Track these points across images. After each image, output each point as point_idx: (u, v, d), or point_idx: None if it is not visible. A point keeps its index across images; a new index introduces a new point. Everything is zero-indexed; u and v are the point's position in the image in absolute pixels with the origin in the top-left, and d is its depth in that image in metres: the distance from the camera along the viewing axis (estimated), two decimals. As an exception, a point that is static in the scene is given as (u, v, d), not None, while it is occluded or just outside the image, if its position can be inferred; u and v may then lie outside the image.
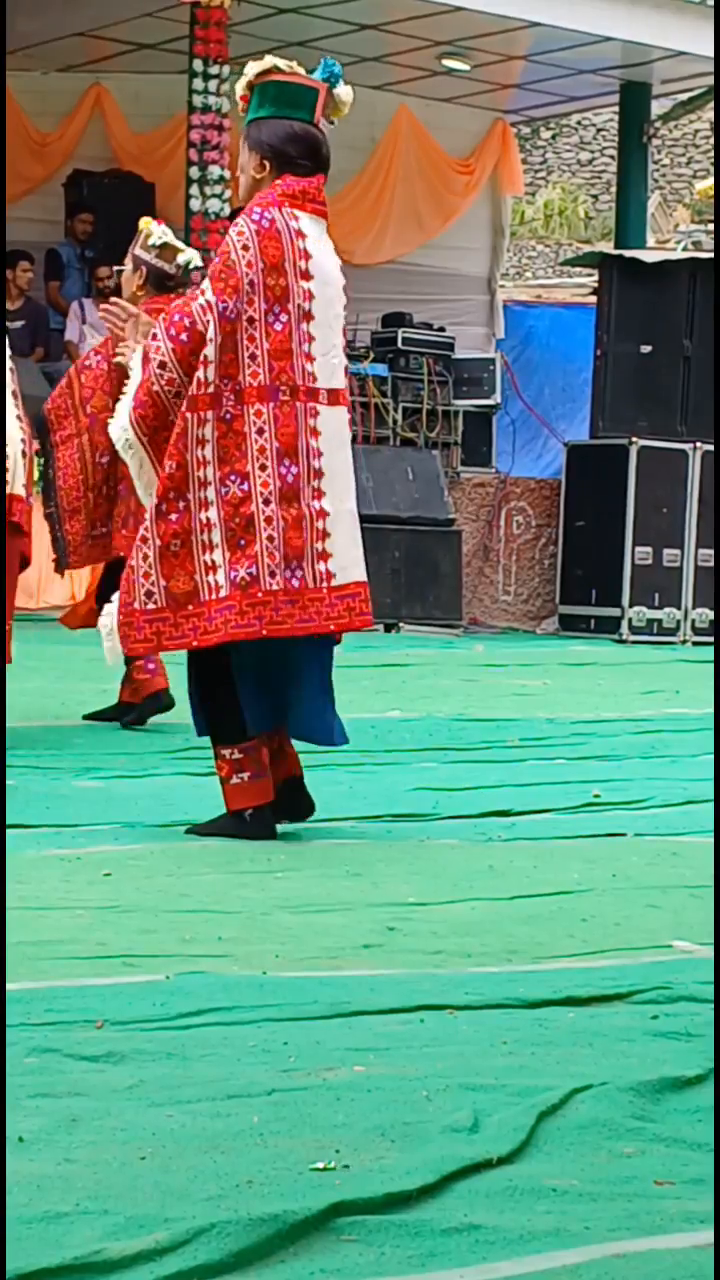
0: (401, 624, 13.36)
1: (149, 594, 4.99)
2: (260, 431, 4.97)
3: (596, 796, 6.04)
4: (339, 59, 17.99)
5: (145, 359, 5.02)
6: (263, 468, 4.96)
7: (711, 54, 14.90)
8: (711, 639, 13.59)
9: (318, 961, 3.62)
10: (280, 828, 5.20)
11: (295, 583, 5.00)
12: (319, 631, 5.05)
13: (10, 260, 14.42)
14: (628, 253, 15.48)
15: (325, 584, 5.04)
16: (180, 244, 7.50)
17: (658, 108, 18.00)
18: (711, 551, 14.22)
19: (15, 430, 6.62)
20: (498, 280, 18.27)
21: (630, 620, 14.07)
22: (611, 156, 22.24)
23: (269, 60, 5.20)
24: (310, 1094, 2.70)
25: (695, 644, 14.03)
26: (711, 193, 28.26)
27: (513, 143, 18.30)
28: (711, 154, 30.72)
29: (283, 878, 4.53)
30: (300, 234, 5.03)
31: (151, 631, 5.02)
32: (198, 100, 14.35)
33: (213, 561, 4.95)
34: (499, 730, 7.84)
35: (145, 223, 7.60)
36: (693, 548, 14.28)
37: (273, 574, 4.96)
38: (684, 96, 17.79)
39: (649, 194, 18.79)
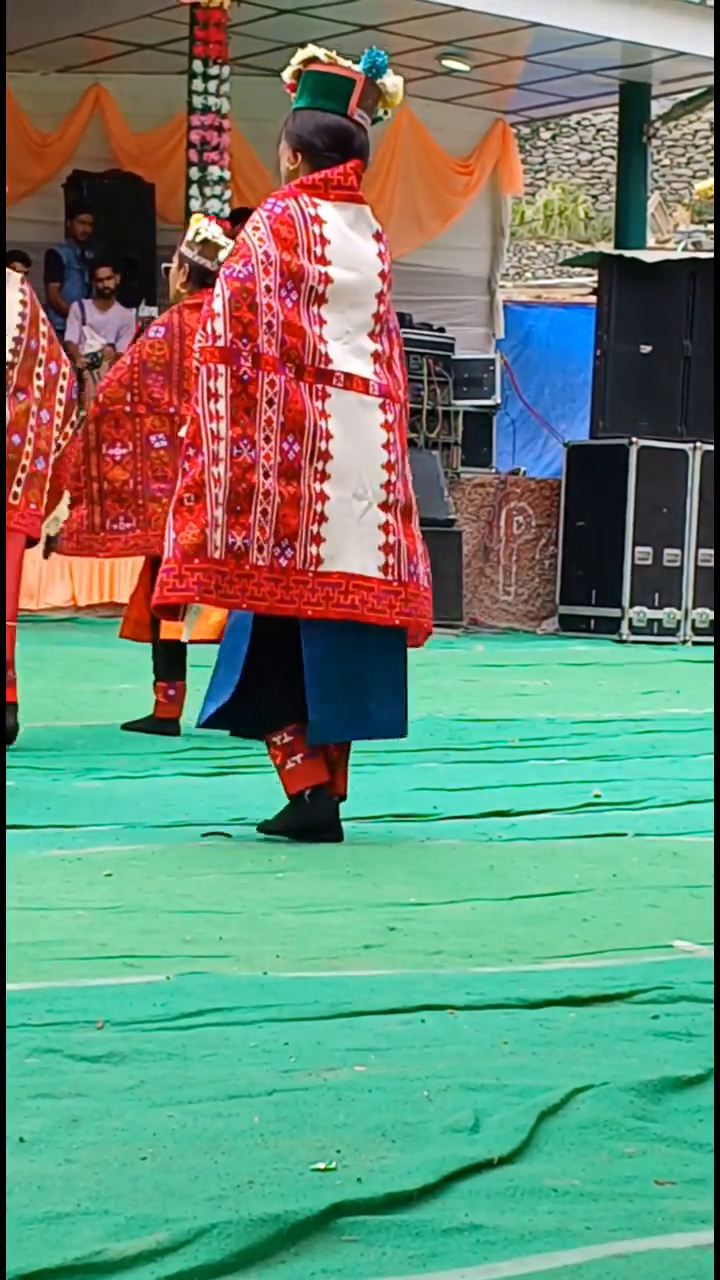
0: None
1: (164, 546, 5.01)
2: (270, 402, 4.92)
3: (597, 796, 6.04)
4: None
5: None
6: (267, 439, 4.91)
7: (711, 54, 14.91)
8: (712, 639, 13.59)
9: (318, 962, 3.62)
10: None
11: (283, 561, 4.94)
12: (300, 615, 4.97)
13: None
14: (627, 253, 15.48)
15: (313, 567, 4.98)
16: (224, 240, 7.45)
17: (657, 108, 18.01)
18: (711, 551, 14.22)
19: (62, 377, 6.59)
20: (497, 280, 18.27)
21: (630, 620, 14.07)
22: (611, 157, 22.24)
23: (310, 49, 5.18)
24: (311, 1094, 2.70)
25: (696, 644, 14.03)
26: (711, 193, 28.25)
27: (512, 143, 18.30)
28: (711, 154, 30.73)
29: (283, 878, 4.53)
30: (317, 220, 5.00)
31: (160, 583, 4.99)
32: (197, 101, 14.36)
33: (217, 519, 4.90)
34: (499, 731, 7.84)
35: (195, 218, 7.58)
36: (693, 548, 14.28)
37: (260, 549, 4.92)
38: (684, 97, 17.80)
39: (649, 194, 18.80)
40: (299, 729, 5.03)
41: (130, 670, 9.26)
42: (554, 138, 30.11)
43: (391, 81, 5.13)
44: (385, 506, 5.08)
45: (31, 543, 6.69)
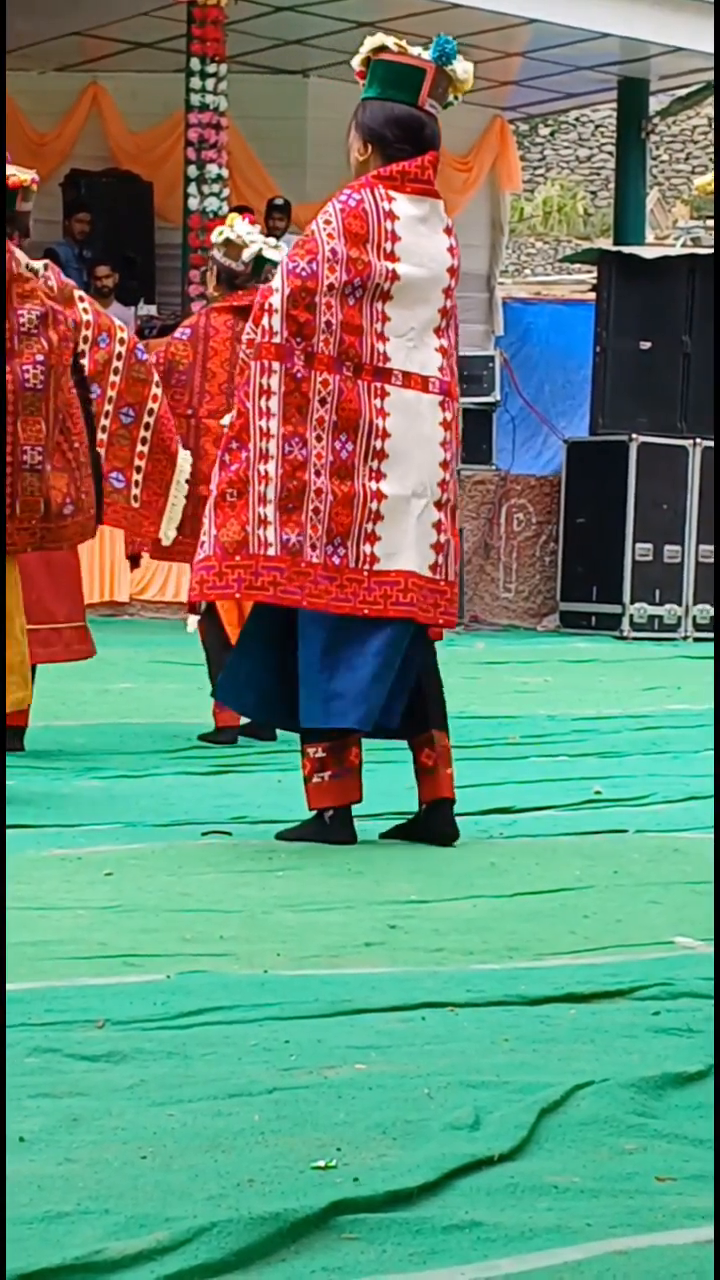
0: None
1: (203, 543, 4.92)
2: (323, 402, 4.87)
3: (598, 793, 6.03)
4: (334, 56, 18.08)
5: None
6: (318, 439, 4.86)
7: (711, 50, 14.90)
8: (712, 635, 13.58)
9: (319, 960, 3.62)
10: (280, 829, 5.21)
11: (336, 560, 4.90)
12: (355, 613, 4.91)
13: None
14: (626, 249, 15.48)
15: (367, 566, 4.92)
16: (250, 238, 7.38)
17: (656, 104, 18.01)
18: (712, 548, 14.21)
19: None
20: (497, 277, 18.26)
21: (631, 617, 14.06)
22: (610, 153, 22.22)
23: (379, 38, 5.13)
24: (311, 1092, 2.70)
25: (696, 640, 14.03)
26: (710, 189, 28.23)
27: (511, 139, 18.29)
28: (710, 150, 30.71)
29: (283, 876, 4.52)
30: (391, 215, 4.93)
31: (197, 580, 4.94)
32: (195, 99, 14.35)
33: (265, 516, 4.85)
34: (500, 728, 7.84)
35: (230, 218, 7.53)
36: (693, 544, 14.27)
37: (314, 546, 4.87)
38: (682, 92, 17.80)
39: (647, 190, 18.80)
40: (333, 747, 4.99)
41: (129, 670, 9.26)
42: (553, 134, 30.10)
43: (462, 68, 5.08)
44: (439, 505, 5.03)
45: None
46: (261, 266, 7.41)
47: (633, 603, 14.08)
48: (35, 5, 14.68)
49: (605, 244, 18.13)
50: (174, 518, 6.64)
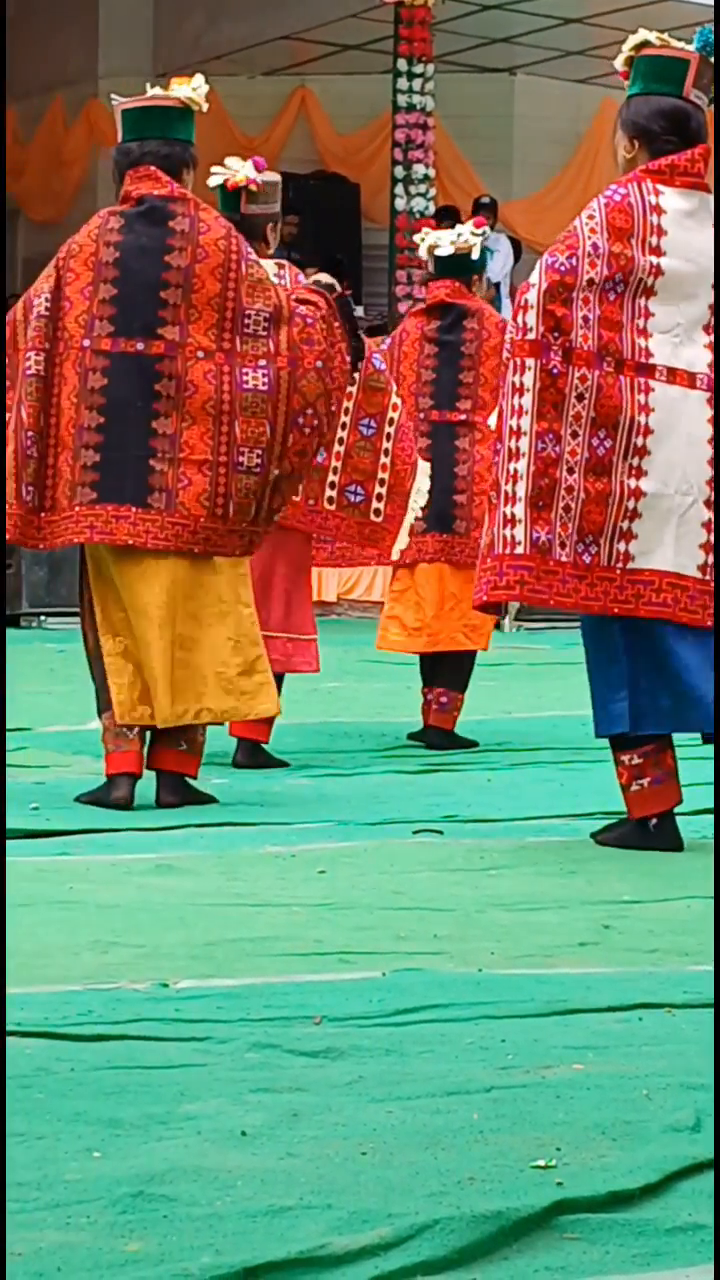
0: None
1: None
2: (580, 397, 4.77)
3: None
4: (541, 54, 18.02)
5: None
6: (574, 435, 4.77)
7: None
8: None
9: (533, 959, 3.61)
10: (491, 827, 5.21)
11: (586, 558, 4.79)
12: (607, 613, 4.83)
13: None
14: None
15: (620, 565, 4.82)
16: (439, 237, 7.43)
17: None
18: None
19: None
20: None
21: None
22: None
23: (641, 34, 5.07)
24: (530, 1091, 2.70)
25: None
26: None
27: (718, 133, 18.11)
28: None
29: (496, 875, 4.52)
30: (657, 209, 4.85)
31: (479, 582, 4.87)
32: (402, 100, 14.40)
33: (512, 515, 4.76)
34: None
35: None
36: None
37: (563, 545, 4.77)
38: None
39: None
40: (652, 751, 4.93)
41: (338, 669, 9.31)
42: None
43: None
44: (709, 503, 4.90)
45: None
46: (443, 263, 7.44)
47: None
48: (244, 11, 14.83)
49: None
50: (407, 528, 6.64)
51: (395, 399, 6.63)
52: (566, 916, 4.03)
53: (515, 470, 4.75)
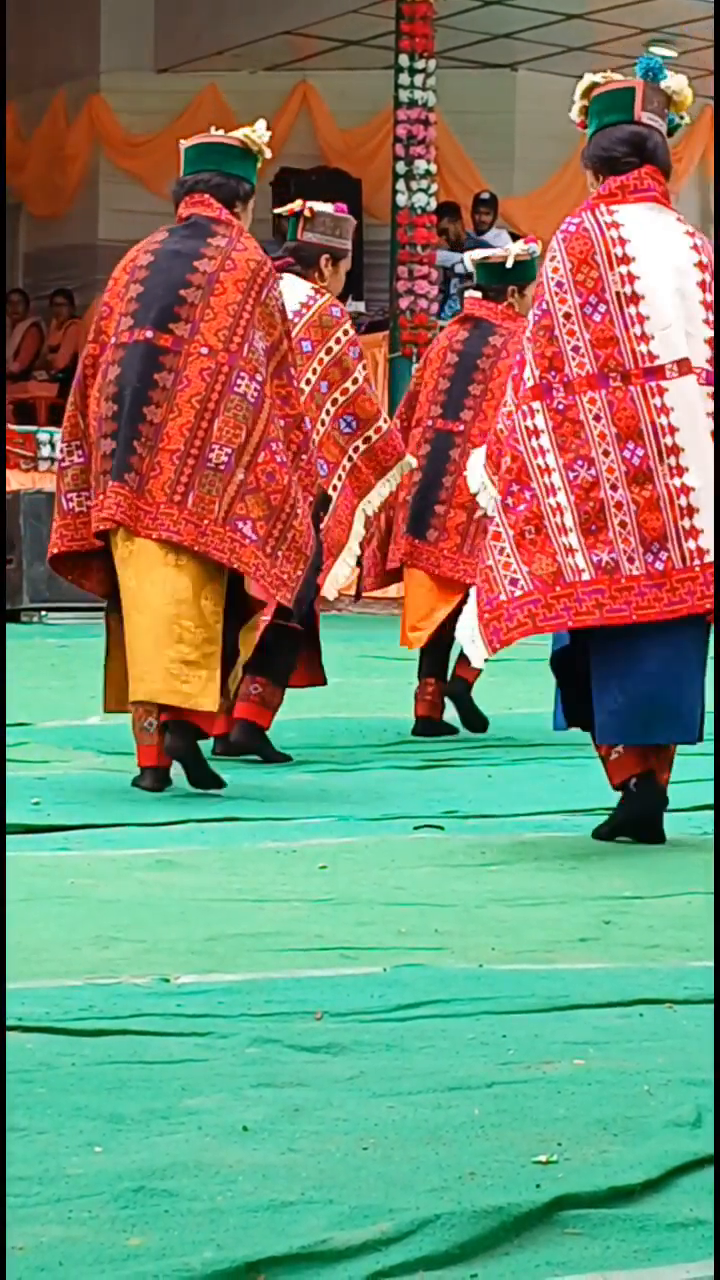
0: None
1: (513, 581, 4.85)
2: (597, 418, 4.86)
3: None
4: (542, 49, 17.96)
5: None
6: (605, 453, 4.84)
7: None
8: None
9: (534, 955, 3.61)
10: (492, 823, 5.21)
11: (660, 565, 4.81)
12: (694, 612, 4.82)
13: None
14: None
15: (697, 561, 4.82)
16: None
17: None
18: None
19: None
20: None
21: None
22: None
23: (587, 79, 5.23)
24: (530, 1087, 2.70)
25: None
26: None
27: (720, 129, 18.09)
28: None
29: (497, 871, 4.52)
30: (614, 225, 4.96)
31: (525, 615, 4.84)
32: (404, 95, 14.40)
33: (570, 545, 4.82)
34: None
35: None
36: None
37: (631, 559, 4.81)
38: None
39: None
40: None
41: (338, 665, 9.31)
42: (762, 123, 29.64)
43: (673, 81, 5.15)
44: None
45: None
46: (481, 273, 7.53)
47: None
48: (245, 6, 14.83)
49: None
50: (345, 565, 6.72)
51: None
52: (567, 912, 4.03)
53: (558, 504, 4.82)
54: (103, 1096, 2.62)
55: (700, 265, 4.97)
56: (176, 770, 5.59)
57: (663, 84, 5.14)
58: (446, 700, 7.30)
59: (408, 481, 7.15)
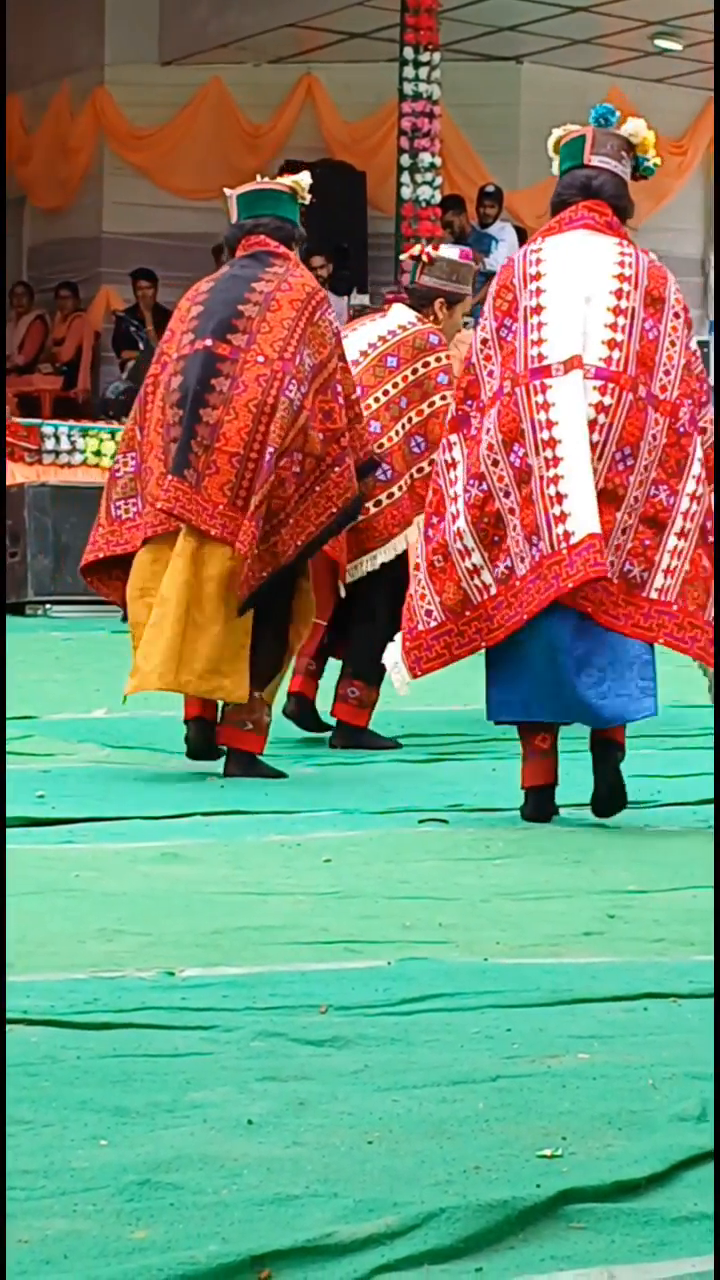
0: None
1: (428, 612, 5.19)
2: (488, 431, 5.13)
3: None
4: (547, 42, 17.92)
5: None
6: (495, 463, 5.11)
7: None
8: None
9: (539, 949, 3.61)
10: (496, 817, 5.22)
11: (537, 555, 5.02)
12: (561, 593, 4.96)
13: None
14: None
15: (564, 544, 4.97)
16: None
17: None
18: None
19: None
20: (711, 262, 18.07)
21: None
22: None
23: (554, 133, 5.52)
24: (535, 1081, 2.70)
25: None
26: None
27: (727, 122, 18.07)
28: None
29: (501, 865, 4.52)
30: (536, 250, 5.30)
31: (442, 646, 5.18)
32: (408, 88, 14.38)
33: (474, 565, 5.12)
34: (703, 715, 7.76)
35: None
36: None
37: (522, 559, 5.06)
38: None
39: None
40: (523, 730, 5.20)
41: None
42: (768, 116, 29.59)
43: (630, 126, 5.42)
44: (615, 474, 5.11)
45: None
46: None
47: None
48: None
49: None
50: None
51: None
52: (572, 906, 4.03)
53: (460, 529, 5.13)
54: (107, 1090, 2.62)
55: (620, 276, 5.20)
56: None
57: (624, 130, 5.41)
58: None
59: None
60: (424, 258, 7.06)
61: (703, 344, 15.06)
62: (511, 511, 5.06)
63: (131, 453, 6.05)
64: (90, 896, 3.99)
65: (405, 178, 14.39)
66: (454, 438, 5.23)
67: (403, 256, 7.39)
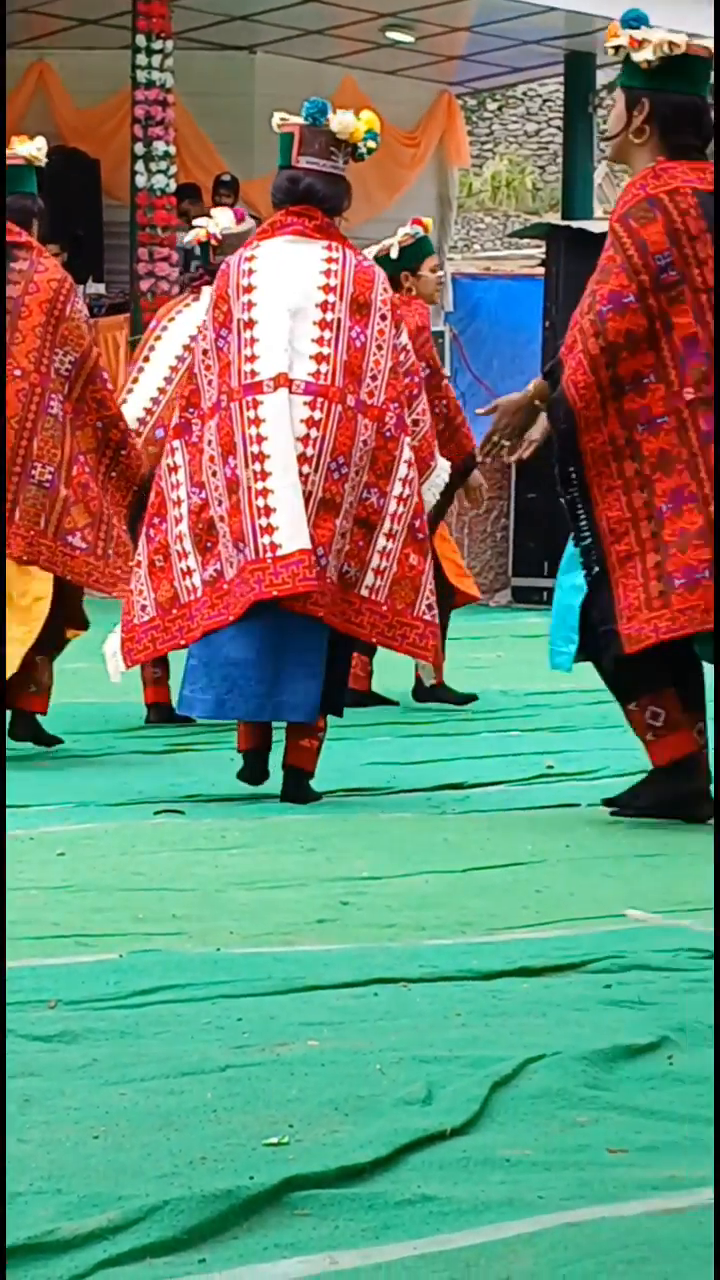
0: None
1: (143, 607, 5.41)
2: (209, 443, 5.32)
3: (550, 768, 6.05)
4: (281, 32, 17.99)
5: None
6: (214, 474, 5.30)
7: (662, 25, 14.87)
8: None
9: (272, 938, 3.62)
10: (234, 806, 5.22)
11: (242, 561, 5.21)
12: (261, 598, 5.17)
13: None
14: (575, 223, 15.47)
15: (270, 554, 5.18)
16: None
17: (603, 77, 17.98)
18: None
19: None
20: (446, 253, 18.25)
21: (583, 591, 14.04)
22: (558, 127, 22.22)
23: (276, 117, 5.55)
24: (264, 1069, 2.70)
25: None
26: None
27: (458, 114, 18.29)
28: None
29: (236, 854, 4.52)
30: (250, 259, 5.41)
31: (149, 639, 5.42)
32: (141, 76, 14.30)
33: (188, 567, 5.36)
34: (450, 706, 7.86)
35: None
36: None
37: (230, 564, 5.26)
38: None
39: (596, 164, 18.80)
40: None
41: (82, 650, 9.23)
42: (500, 109, 30.05)
43: (336, 121, 5.43)
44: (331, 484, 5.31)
45: None
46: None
47: (584, 578, 14.04)
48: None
49: (554, 219, 18.13)
50: None
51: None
52: (306, 894, 4.04)
53: (181, 532, 5.38)
54: None
55: (326, 288, 5.35)
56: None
57: (329, 125, 5.41)
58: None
59: None
60: (212, 241, 7.13)
61: (437, 334, 15.23)
62: (222, 519, 5.26)
63: None
64: None
65: (140, 166, 14.31)
66: (176, 443, 5.41)
67: (187, 240, 7.48)
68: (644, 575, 4.86)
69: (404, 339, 5.57)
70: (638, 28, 5.10)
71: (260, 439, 5.20)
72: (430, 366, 7.69)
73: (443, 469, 7.42)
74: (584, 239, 14.62)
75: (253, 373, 5.27)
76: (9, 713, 6.17)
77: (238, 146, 16.32)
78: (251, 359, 5.28)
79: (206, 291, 6.94)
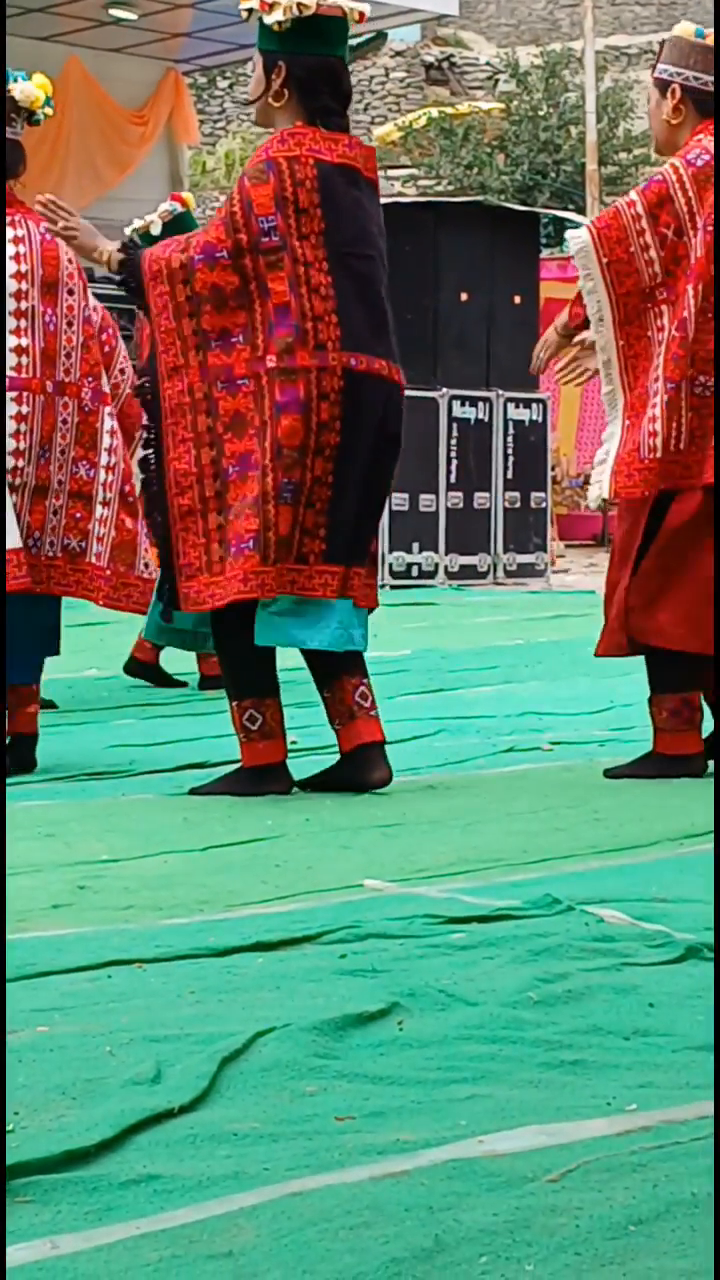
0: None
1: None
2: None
3: (293, 743, 6.05)
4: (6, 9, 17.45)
5: None
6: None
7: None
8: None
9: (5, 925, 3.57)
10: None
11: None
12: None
13: None
14: (306, 199, 15.49)
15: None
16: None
17: (330, 53, 18.03)
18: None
19: None
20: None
21: (390, 565, 14.08)
22: (288, 104, 22.20)
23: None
24: (-8, 1059, 2.67)
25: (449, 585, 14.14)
26: (390, 138, 28.44)
27: (185, 92, 18.19)
28: (390, 100, 30.92)
29: (-28, 843, 4.46)
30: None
31: None
32: None
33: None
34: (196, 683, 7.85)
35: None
36: (444, 494, 14.44)
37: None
38: (353, 41, 17.84)
39: (326, 140, 18.82)
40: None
41: None
42: (231, 86, 30.04)
43: (19, 91, 5.41)
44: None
45: None
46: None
47: (391, 551, 14.08)
48: None
49: (287, 195, 18.11)
50: None
51: None
52: (41, 880, 4.00)
53: None
54: None
55: (18, 275, 5.37)
56: None
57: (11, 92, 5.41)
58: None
59: None
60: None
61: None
62: None
63: None
64: None
65: None
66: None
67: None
68: (205, 534, 4.98)
69: (92, 301, 5.58)
70: None
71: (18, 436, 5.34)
72: None
73: None
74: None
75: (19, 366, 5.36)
76: None
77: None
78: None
79: None
